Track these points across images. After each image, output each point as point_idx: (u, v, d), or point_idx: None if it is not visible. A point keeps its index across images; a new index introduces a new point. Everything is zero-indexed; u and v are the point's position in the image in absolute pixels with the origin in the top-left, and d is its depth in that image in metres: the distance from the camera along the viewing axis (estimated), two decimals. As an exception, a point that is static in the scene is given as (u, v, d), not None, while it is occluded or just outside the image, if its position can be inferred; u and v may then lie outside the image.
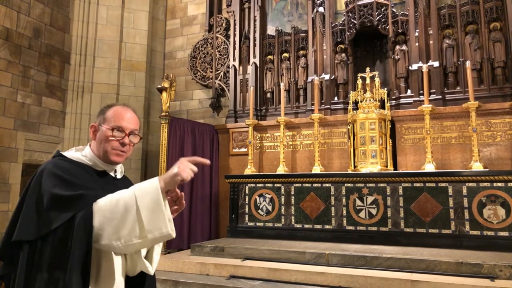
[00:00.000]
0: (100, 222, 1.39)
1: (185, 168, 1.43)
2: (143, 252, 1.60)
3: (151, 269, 1.62)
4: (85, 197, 1.43)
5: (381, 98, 5.61)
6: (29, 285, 1.42)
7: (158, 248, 1.67)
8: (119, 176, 1.74)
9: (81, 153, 1.66)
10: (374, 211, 5.02)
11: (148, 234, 1.38)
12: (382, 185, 5.02)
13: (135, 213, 1.38)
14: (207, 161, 1.53)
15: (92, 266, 1.48)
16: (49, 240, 1.42)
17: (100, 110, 1.71)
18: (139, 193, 1.41)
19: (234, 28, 7.09)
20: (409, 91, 5.76)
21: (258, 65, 6.81)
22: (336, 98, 6.17)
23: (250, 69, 6.82)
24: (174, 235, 1.44)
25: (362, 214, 5.07)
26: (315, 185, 5.38)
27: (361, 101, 5.62)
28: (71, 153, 1.66)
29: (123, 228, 1.38)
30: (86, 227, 1.38)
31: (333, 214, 5.21)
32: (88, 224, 1.39)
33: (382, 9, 5.90)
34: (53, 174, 1.49)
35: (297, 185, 5.49)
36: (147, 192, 1.41)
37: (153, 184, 1.42)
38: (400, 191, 4.92)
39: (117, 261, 1.57)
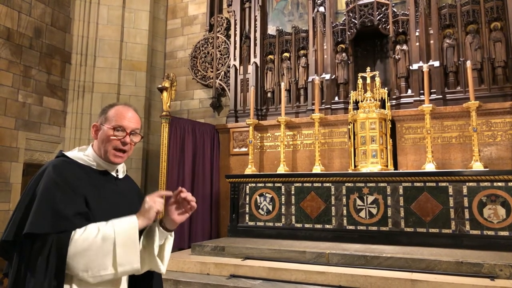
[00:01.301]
0: (73, 252, 1.40)
1: (154, 201, 1.55)
2: (156, 250, 1.62)
3: (163, 268, 1.65)
4: (69, 219, 1.43)
5: (382, 97, 5.61)
6: (18, 285, 1.44)
7: (169, 246, 1.70)
8: (121, 175, 1.75)
9: (84, 153, 1.66)
10: (374, 211, 5.02)
11: (118, 267, 1.44)
12: (382, 184, 5.03)
13: (112, 246, 1.43)
14: (170, 193, 1.63)
15: None
16: (31, 247, 1.43)
17: (102, 109, 1.72)
18: (118, 229, 1.46)
19: (235, 28, 7.10)
20: (409, 91, 5.77)
21: (258, 65, 6.82)
22: (336, 98, 6.17)
23: (251, 68, 6.83)
24: (141, 270, 1.55)
25: (362, 214, 5.08)
26: (316, 184, 5.38)
27: (361, 101, 5.62)
28: (74, 154, 1.66)
29: (95, 260, 1.41)
30: (60, 253, 1.39)
31: (333, 214, 5.22)
32: (63, 253, 1.40)
33: (383, 9, 5.90)
34: (51, 181, 1.49)
35: (297, 184, 5.49)
36: (125, 229, 1.47)
37: (132, 222, 1.50)
38: (401, 191, 4.93)
39: None
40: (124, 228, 1.47)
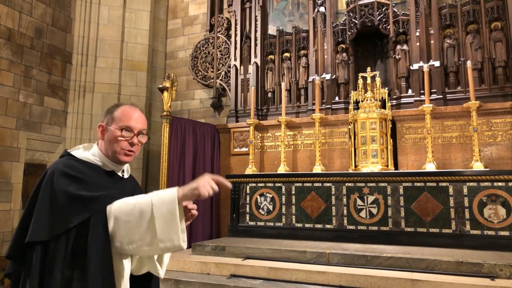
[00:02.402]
0: (115, 224, 1.40)
1: (205, 184, 1.42)
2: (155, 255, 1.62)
3: (161, 272, 1.64)
4: (101, 198, 1.44)
5: (382, 97, 5.61)
6: (43, 285, 1.43)
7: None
8: (126, 175, 1.74)
9: (90, 153, 1.65)
10: (374, 211, 5.03)
11: (159, 244, 1.39)
12: (382, 184, 5.03)
13: (149, 221, 1.38)
14: (229, 185, 1.52)
15: None
16: (63, 241, 1.42)
17: (108, 109, 1.70)
18: (156, 201, 1.40)
19: (235, 28, 7.11)
20: (410, 91, 5.77)
21: (259, 65, 6.82)
22: (337, 98, 6.17)
23: (251, 68, 6.83)
24: (185, 246, 1.43)
25: (362, 214, 5.08)
26: (316, 184, 5.39)
27: (362, 101, 5.62)
28: (80, 153, 1.65)
29: (136, 233, 1.39)
30: (103, 228, 1.40)
31: (334, 214, 5.22)
32: (104, 225, 1.40)
33: (383, 9, 5.91)
34: (66, 174, 1.49)
35: (298, 184, 5.50)
36: (164, 201, 1.40)
37: (171, 194, 1.41)
38: (401, 191, 4.93)
39: (126, 263, 1.58)
40: (162, 201, 1.40)
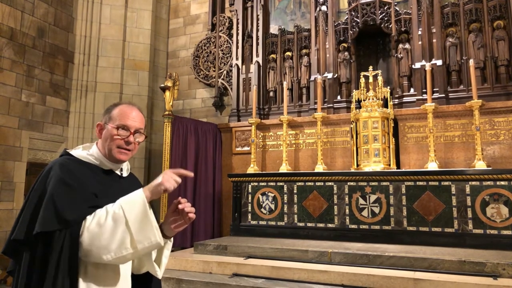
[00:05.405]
0: (90, 239, 1.41)
1: (169, 178, 1.49)
2: (153, 254, 1.62)
3: (159, 273, 1.64)
4: (79, 210, 1.45)
5: (384, 96, 5.60)
6: (30, 284, 1.44)
7: (167, 252, 1.69)
8: (125, 174, 1.75)
9: (88, 152, 1.67)
10: (377, 210, 5.02)
11: (138, 245, 1.42)
12: (385, 183, 5.02)
13: (124, 225, 1.41)
14: (191, 174, 1.58)
15: (99, 265, 1.50)
16: (43, 245, 1.43)
17: (106, 108, 1.72)
18: (126, 205, 1.44)
19: (237, 27, 7.10)
20: (412, 90, 5.76)
21: (261, 64, 6.82)
22: (339, 97, 6.17)
23: (253, 68, 6.83)
24: (162, 243, 1.49)
25: (365, 213, 5.08)
26: (318, 183, 5.38)
27: (364, 100, 5.62)
28: (78, 152, 1.66)
29: (113, 242, 1.41)
30: (73, 245, 1.41)
31: (336, 213, 5.22)
32: (75, 243, 1.41)
33: (385, 8, 5.89)
34: (58, 178, 1.50)
35: (300, 183, 5.50)
36: (133, 203, 1.45)
37: (139, 195, 1.46)
38: (403, 190, 4.92)
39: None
40: (131, 203, 1.45)
